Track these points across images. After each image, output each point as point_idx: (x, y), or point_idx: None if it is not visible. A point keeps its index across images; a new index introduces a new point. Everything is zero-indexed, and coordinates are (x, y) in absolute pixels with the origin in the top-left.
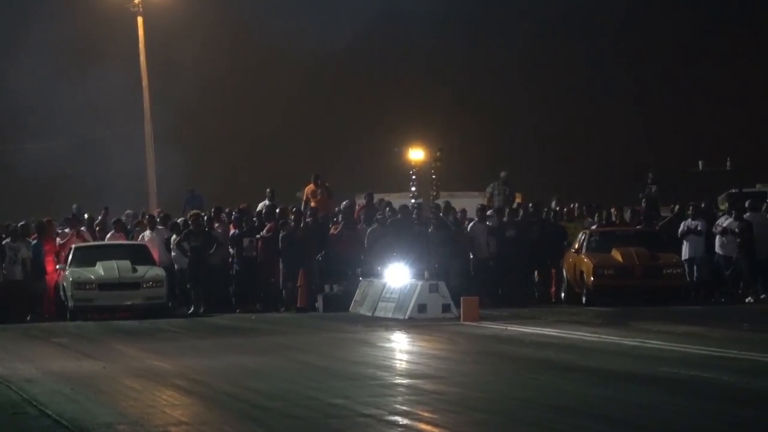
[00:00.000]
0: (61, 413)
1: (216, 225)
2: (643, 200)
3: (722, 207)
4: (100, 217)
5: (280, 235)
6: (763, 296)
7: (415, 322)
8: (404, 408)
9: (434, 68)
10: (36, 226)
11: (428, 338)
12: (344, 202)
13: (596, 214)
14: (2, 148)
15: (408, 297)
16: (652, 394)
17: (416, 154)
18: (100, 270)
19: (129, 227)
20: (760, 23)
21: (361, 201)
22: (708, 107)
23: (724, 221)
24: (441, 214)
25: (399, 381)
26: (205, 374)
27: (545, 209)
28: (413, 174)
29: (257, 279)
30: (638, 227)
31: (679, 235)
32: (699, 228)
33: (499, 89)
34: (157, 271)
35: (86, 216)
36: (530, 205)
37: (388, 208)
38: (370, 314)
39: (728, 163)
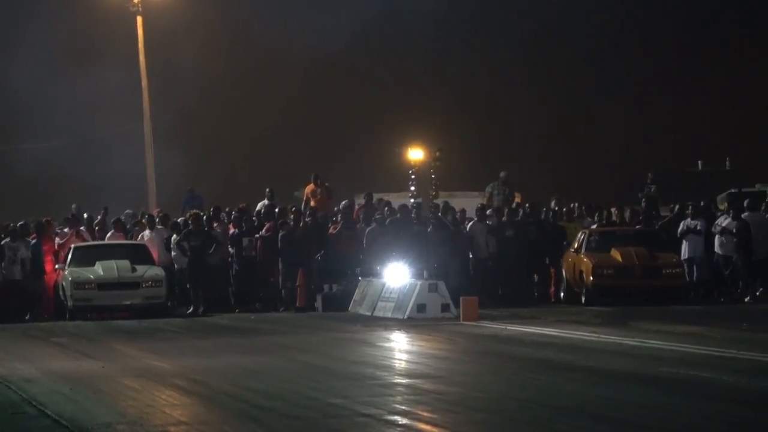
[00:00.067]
0: (60, 413)
1: (215, 225)
2: (643, 200)
3: (721, 207)
4: (99, 217)
5: (280, 234)
6: (760, 290)
7: (415, 321)
8: (403, 408)
9: (434, 68)
10: (35, 225)
11: (427, 338)
12: (343, 202)
13: (596, 214)
14: (1, 148)
15: (407, 297)
16: (652, 394)
17: (415, 154)
18: (99, 270)
19: (128, 227)
20: (760, 23)
21: (360, 201)
22: (707, 107)
23: (723, 221)
24: (440, 214)
25: (398, 381)
26: (204, 374)
27: (544, 209)
28: (412, 174)
29: (256, 279)
30: (638, 227)
31: (678, 235)
32: (698, 228)
33: (498, 89)
34: (157, 271)
35: (85, 216)
36: (527, 205)
37: (387, 208)
38: (369, 314)
39: (727, 163)
